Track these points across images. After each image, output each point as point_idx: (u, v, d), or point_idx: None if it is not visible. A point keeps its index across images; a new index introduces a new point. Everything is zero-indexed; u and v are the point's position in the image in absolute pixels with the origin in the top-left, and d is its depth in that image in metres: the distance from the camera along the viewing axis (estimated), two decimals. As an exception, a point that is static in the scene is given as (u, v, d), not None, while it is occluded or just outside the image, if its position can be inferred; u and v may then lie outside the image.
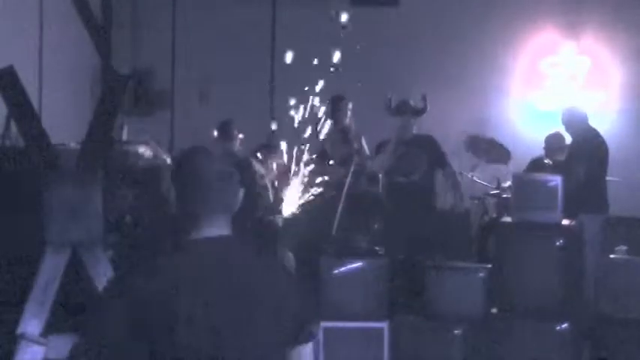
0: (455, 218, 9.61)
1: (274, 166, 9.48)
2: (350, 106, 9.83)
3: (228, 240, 3.06)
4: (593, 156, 8.66)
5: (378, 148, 9.22)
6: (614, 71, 11.62)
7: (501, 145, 10.09)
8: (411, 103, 9.00)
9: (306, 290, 3.22)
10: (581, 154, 8.61)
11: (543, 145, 10.04)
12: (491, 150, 10.06)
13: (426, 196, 8.89)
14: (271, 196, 9.19)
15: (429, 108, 8.97)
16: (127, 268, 3.10)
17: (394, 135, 8.90)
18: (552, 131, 10.10)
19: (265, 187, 9.07)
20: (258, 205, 8.88)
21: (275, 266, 3.23)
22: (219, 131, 8.76)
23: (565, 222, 7.77)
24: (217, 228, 3.05)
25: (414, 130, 9.01)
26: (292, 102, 9.01)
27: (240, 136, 8.85)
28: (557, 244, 7.51)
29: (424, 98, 8.95)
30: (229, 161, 3.10)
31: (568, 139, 9.13)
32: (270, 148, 9.74)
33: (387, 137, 9.09)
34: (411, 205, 8.68)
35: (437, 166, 8.94)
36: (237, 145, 8.80)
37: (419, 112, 8.95)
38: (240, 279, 2.98)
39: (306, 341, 3.11)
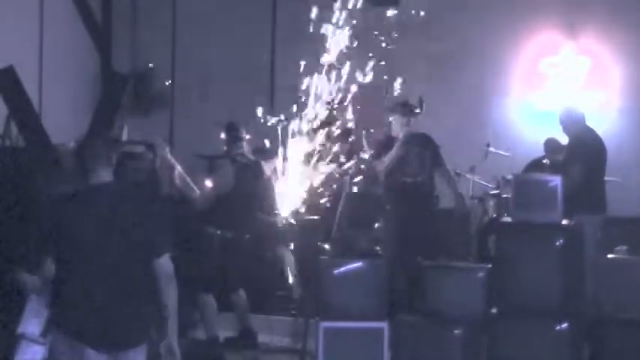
0: (455, 218, 9.61)
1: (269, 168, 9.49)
2: (350, 106, 9.83)
3: (111, 184, 4.99)
4: (591, 156, 8.65)
5: (378, 147, 9.13)
6: (614, 71, 11.63)
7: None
8: (408, 102, 8.93)
9: (163, 220, 5.06)
10: (579, 154, 8.61)
11: (543, 148, 10.07)
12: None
13: (429, 196, 8.84)
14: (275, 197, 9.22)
15: (424, 110, 8.87)
16: (52, 199, 5.25)
17: (402, 134, 8.81)
18: (550, 135, 10.13)
19: (272, 189, 9.08)
20: (265, 205, 8.90)
21: (142, 201, 5.11)
22: (226, 133, 8.76)
23: (564, 222, 7.76)
24: (103, 177, 4.96)
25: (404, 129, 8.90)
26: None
27: (248, 137, 8.87)
28: (557, 244, 7.49)
29: (420, 101, 8.87)
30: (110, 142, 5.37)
31: (565, 140, 9.13)
32: (265, 150, 9.76)
33: (385, 136, 9.01)
34: (416, 206, 8.61)
35: (434, 165, 8.86)
36: (245, 146, 8.81)
37: (414, 111, 8.86)
38: (116, 206, 4.89)
39: (162, 253, 4.96)
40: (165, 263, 4.97)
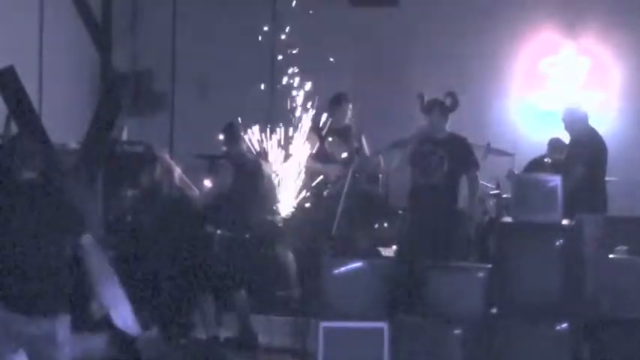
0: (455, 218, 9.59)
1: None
2: (350, 105, 9.84)
3: (34, 180, 5.86)
4: (592, 156, 8.66)
5: (396, 146, 9.07)
6: (614, 71, 11.62)
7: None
8: (440, 100, 8.80)
9: (80, 205, 6.06)
10: (580, 154, 8.61)
11: (547, 148, 10.06)
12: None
13: (446, 199, 8.68)
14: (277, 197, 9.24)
15: (459, 104, 8.76)
16: None
17: (415, 134, 8.75)
18: (553, 135, 10.12)
19: (273, 188, 9.09)
20: (264, 205, 8.91)
21: (63, 192, 6.00)
22: (225, 134, 8.78)
23: (564, 222, 7.76)
24: (29, 175, 5.83)
25: (448, 129, 8.79)
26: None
27: (246, 137, 8.88)
28: (557, 244, 7.50)
29: (452, 95, 8.76)
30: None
31: (567, 139, 9.13)
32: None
33: (405, 135, 8.95)
34: (431, 209, 8.54)
35: (462, 170, 8.74)
36: (244, 147, 8.81)
37: (448, 109, 8.74)
38: (39, 198, 5.82)
39: (83, 233, 5.90)
40: (88, 239, 5.95)
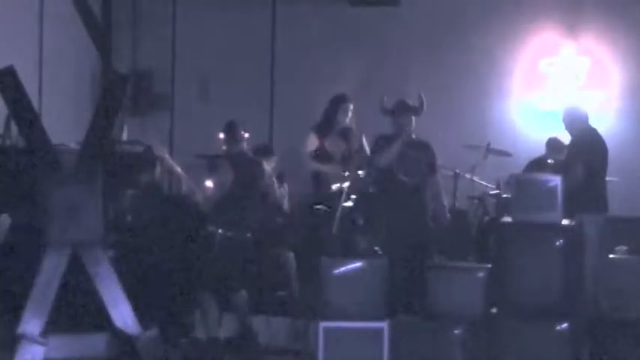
0: (455, 218, 9.61)
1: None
2: (351, 106, 9.85)
3: None
4: (593, 156, 8.66)
5: (377, 143, 9.16)
6: (614, 71, 11.61)
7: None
8: (410, 102, 8.96)
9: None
10: (581, 154, 8.61)
11: (545, 148, 10.06)
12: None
13: (423, 198, 8.90)
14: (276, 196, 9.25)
15: (425, 108, 8.91)
16: None
17: (401, 134, 8.85)
18: (552, 135, 10.12)
19: (272, 187, 9.10)
20: (264, 204, 8.91)
21: None
22: (225, 132, 8.78)
23: (564, 222, 7.77)
24: None
25: (413, 134, 8.99)
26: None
27: (247, 135, 8.88)
28: (557, 244, 7.50)
29: (420, 98, 8.91)
30: None
31: (568, 139, 9.13)
32: (266, 150, 9.78)
33: (384, 133, 9.04)
34: (410, 206, 8.66)
35: (428, 172, 8.97)
36: (244, 145, 8.82)
37: (417, 111, 8.90)
38: None
39: None
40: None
